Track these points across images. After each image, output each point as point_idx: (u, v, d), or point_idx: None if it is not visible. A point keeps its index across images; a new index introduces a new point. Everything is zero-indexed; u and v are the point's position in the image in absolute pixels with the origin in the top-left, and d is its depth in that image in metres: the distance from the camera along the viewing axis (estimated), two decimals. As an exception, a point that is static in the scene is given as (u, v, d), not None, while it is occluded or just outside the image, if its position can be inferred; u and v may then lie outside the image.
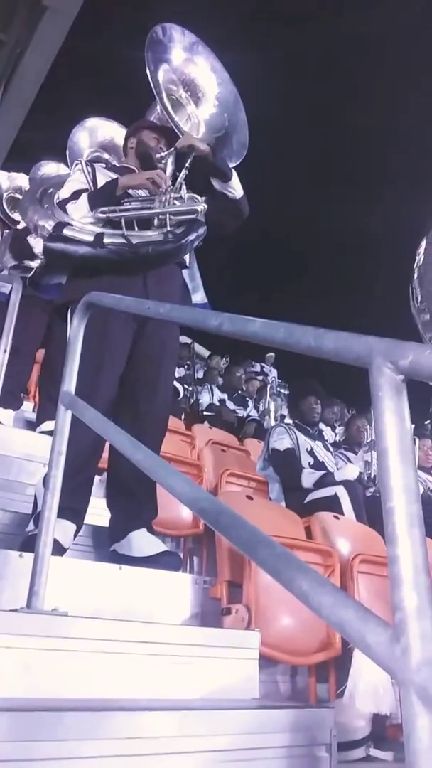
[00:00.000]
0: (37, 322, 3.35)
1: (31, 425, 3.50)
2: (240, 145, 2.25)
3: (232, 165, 2.19)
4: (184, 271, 2.21)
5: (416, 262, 1.17)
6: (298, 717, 1.30)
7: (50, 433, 1.58)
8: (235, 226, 2.20)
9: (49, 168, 3.41)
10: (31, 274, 2.13)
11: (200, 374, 7.82)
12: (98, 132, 2.88)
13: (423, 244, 1.18)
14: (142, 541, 1.90)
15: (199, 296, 2.27)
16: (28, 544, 1.61)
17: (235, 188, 2.13)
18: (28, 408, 3.93)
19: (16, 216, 4.10)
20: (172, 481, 1.01)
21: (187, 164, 2.14)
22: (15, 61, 9.54)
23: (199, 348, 9.88)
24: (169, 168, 2.10)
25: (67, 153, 2.90)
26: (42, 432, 3.24)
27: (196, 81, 2.23)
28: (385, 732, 1.93)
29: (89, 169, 2.19)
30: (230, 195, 2.13)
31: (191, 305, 2.22)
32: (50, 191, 2.62)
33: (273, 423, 6.77)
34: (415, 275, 1.16)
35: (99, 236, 1.98)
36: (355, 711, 1.85)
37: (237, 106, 2.25)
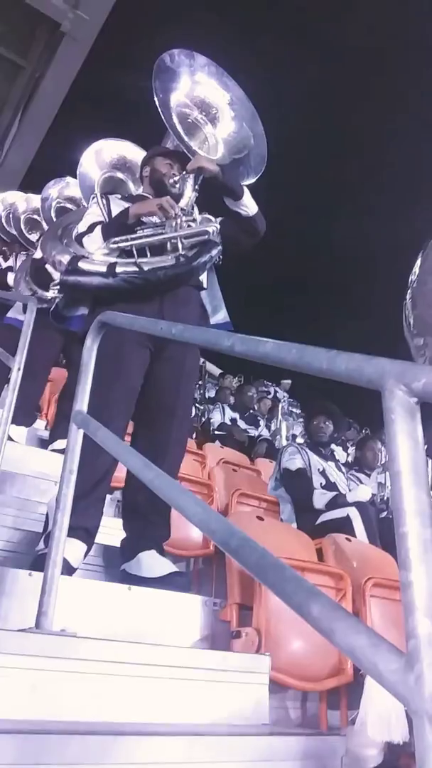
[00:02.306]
0: (50, 341, 3.38)
1: (44, 443, 3.52)
2: (259, 159, 2.27)
3: (251, 180, 2.22)
4: (202, 293, 2.22)
5: (410, 281, 1.15)
6: (308, 745, 1.28)
7: (62, 451, 1.59)
8: (252, 243, 2.22)
9: (58, 187, 3.48)
10: (53, 306, 2.16)
11: (212, 393, 7.83)
12: (105, 153, 2.92)
13: (417, 262, 1.16)
14: (152, 562, 1.89)
15: (220, 316, 2.27)
16: (38, 563, 1.61)
17: (248, 206, 2.15)
18: (40, 426, 3.96)
19: (33, 237, 4.17)
20: (182, 502, 1.01)
21: (197, 186, 2.17)
22: (33, 86, 9.78)
23: (210, 367, 9.91)
24: (185, 191, 2.13)
25: (78, 179, 2.94)
26: (54, 450, 3.25)
27: (209, 101, 2.27)
28: (398, 761, 1.88)
29: (104, 201, 2.22)
30: (243, 213, 2.15)
31: (209, 327, 2.22)
32: (70, 227, 2.66)
33: (284, 443, 6.76)
34: (408, 297, 1.13)
35: (111, 266, 2.02)
36: (367, 739, 1.80)
37: (253, 121, 2.27)
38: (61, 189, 3.67)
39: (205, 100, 2.27)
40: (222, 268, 2.30)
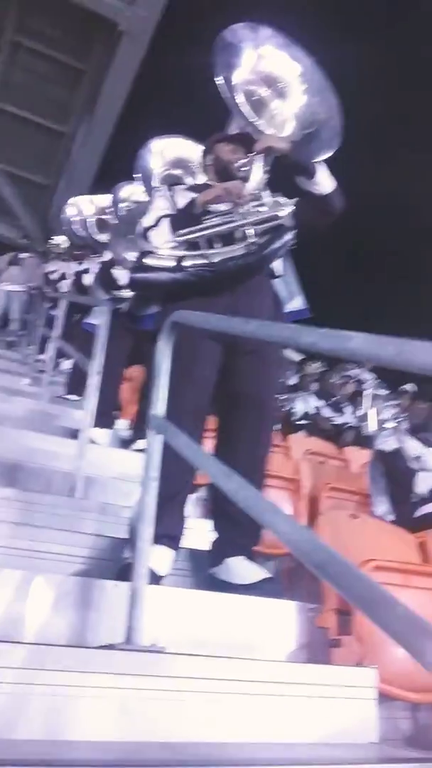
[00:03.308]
0: (121, 341, 3.38)
1: (126, 444, 3.53)
2: (333, 133, 2.09)
3: (325, 155, 2.06)
4: (276, 281, 2.10)
5: None
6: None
7: (144, 451, 1.54)
8: (328, 222, 2.06)
9: (127, 190, 3.45)
10: (126, 306, 2.13)
11: (293, 381, 7.65)
12: (167, 150, 2.86)
13: None
14: (242, 568, 1.81)
15: (296, 303, 2.14)
16: (124, 572, 1.57)
17: (323, 183, 1.99)
18: (121, 426, 3.98)
19: (103, 238, 4.20)
20: (270, 518, 0.91)
21: (266, 167, 2.03)
22: (95, 89, 9.92)
23: (290, 353, 9.68)
24: (254, 175, 2.00)
25: (137, 173, 2.90)
26: (136, 450, 3.25)
27: (276, 75, 2.11)
28: None
29: (170, 193, 2.15)
30: (316, 192, 1.99)
31: (283, 316, 2.10)
32: (136, 222, 2.62)
33: (372, 429, 6.48)
34: None
35: (179, 260, 1.94)
36: None
37: (326, 93, 2.10)
38: (130, 191, 3.65)
39: (272, 74, 2.11)
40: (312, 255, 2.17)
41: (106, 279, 3.52)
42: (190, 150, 2.92)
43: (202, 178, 2.64)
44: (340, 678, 1.43)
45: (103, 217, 4.31)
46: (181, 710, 1.16)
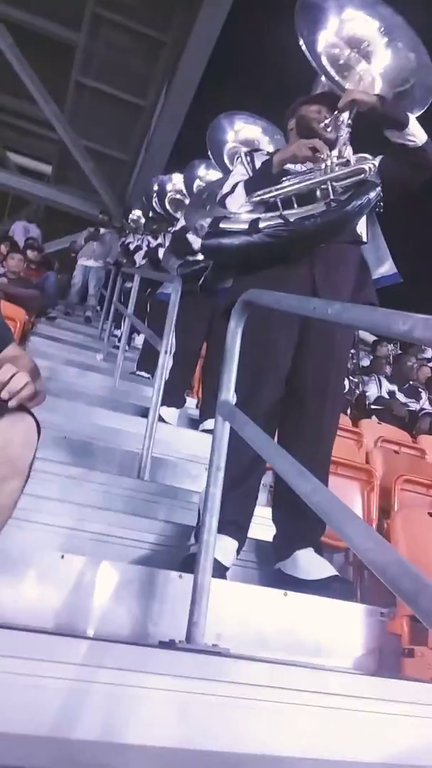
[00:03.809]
0: (199, 320, 3.32)
1: (195, 423, 3.50)
2: (425, 90, 1.92)
3: (417, 113, 1.89)
4: (364, 248, 1.95)
5: None
6: None
7: (212, 431, 1.47)
8: (424, 178, 1.89)
9: (202, 170, 3.37)
10: (201, 278, 2.05)
11: (365, 362, 7.38)
12: (236, 128, 2.76)
13: None
14: (310, 562, 1.72)
15: (384, 268, 1.99)
16: (188, 562, 1.52)
17: (416, 134, 1.82)
18: (191, 404, 3.95)
19: (179, 215, 4.14)
20: (349, 530, 0.82)
21: (348, 121, 1.88)
22: (175, 59, 9.79)
23: (363, 333, 9.31)
24: (339, 133, 1.86)
25: (209, 151, 2.81)
26: (204, 430, 3.21)
27: (362, 36, 1.95)
28: None
29: (248, 158, 2.03)
30: (410, 143, 1.82)
31: (370, 285, 1.94)
32: (215, 192, 2.54)
33: (450, 416, 6.17)
34: None
35: (254, 222, 1.82)
36: None
37: (416, 50, 1.92)
38: (205, 171, 3.56)
39: (356, 35, 1.95)
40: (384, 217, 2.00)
41: (180, 244, 3.44)
42: (256, 131, 2.83)
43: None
44: (412, 695, 1.32)
45: (178, 197, 4.26)
46: (242, 718, 1.10)
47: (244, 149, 2.32)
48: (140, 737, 0.98)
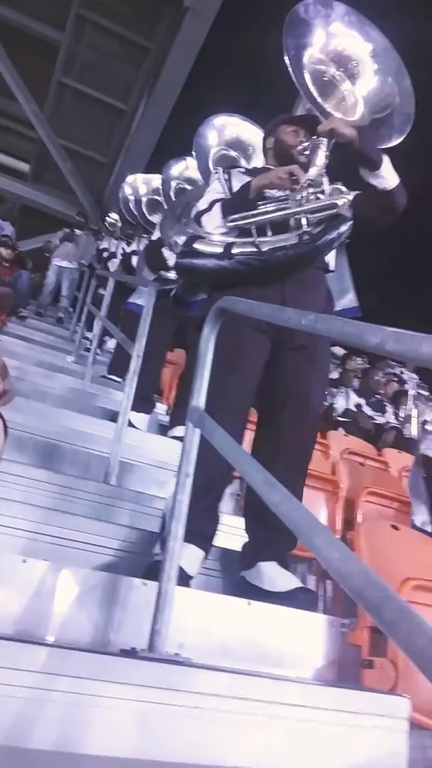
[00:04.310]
0: (166, 324, 3.32)
1: (164, 429, 3.48)
2: (404, 118, 1.93)
3: (394, 142, 1.91)
4: (330, 276, 1.98)
5: None
6: None
7: (182, 438, 1.47)
8: (389, 221, 1.90)
9: (177, 168, 3.36)
10: (173, 290, 2.05)
11: (334, 375, 7.46)
12: (226, 130, 2.75)
13: None
14: (275, 574, 1.72)
15: (346, 300, 2.02)
16: (153, 570, 1.51)
17: (387, 177, 1.83)
18: (161, 410, 3.93)
19: (154, 219, 4.13)
20: (316, 540, 0.82)
21: (328, 152, 1.90)
22: (158, 65, 9.82)
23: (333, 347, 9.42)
24: (315, 159, 1.88)
25: (194, 150, 2.80)
26: (174, 437, 3.20)
27: (349, 55, 1.98)
28: None
29: (226, 176, 2.04)
30: (379, 186, 1.83)
31: (335, 312, 1.98)
32: (190, 205, 2.53)
33: (415, 430, 6.27)
34: None
35: (228, 247, 1.83)
36: None
37: (400, 75, 1.95)
38: (182, 170, 3.56)
39: (344, 53, 1.97)
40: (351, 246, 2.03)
41: (154, 257, 3.44)
42: (250, 133, 2.81)
43: (258, 163, 2.53)
44: (370, 706, 1.33)
45: (156, 197, 4.24)
46: (203, 729, 1.09)
47: (222, 167, 2.32)
48: (98, 747, 0.96)
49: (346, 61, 1.97)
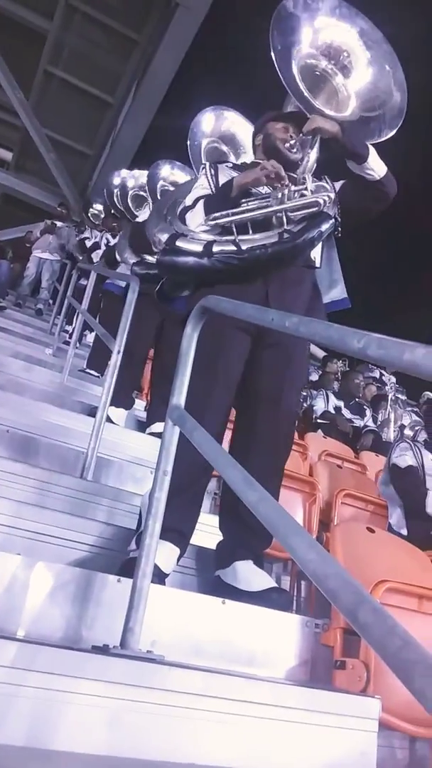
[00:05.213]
0: (148, 321, 3.29)
1: (143, 425, 3.47)
2: (396, 112, 1.94)
3: (385, 136, 1.93)
4: (317, 272, 1.98)
5: None
6: None
7: (160, 435, 1.46)
8: (380, 209, 1.93)
9: (165, 170, 3.34)
10: (158, 285, 2.03)
11: (314, 377, 7.50)
12: (223, 122, 2.72)
13: None
14: (249, 574, 1.72)
15: (335, 292, 2.02)
16: (128, 567, 1.50)
17: (374, 168, 1.86)
18: (139, 406, 3.91)
19: (139, 213, 4.10)
20: (293, 541, 0.82)
21: (312, 149, 1.91)
22: (147, 60, 9.75)
23: (314, 349, 9.46)
24: (304, 156, 1.88)
25: (189, 135, 2.77)
26: (152, 433, 3.18)
27: (340, 48, 1.96)
28: None
29: (212, 171, 2.02)
30: (368, 177, 1.86)
31: (321, 309, 1.97)
32: (177, 202, 2.51)
33: (392, 434, 6.34)
34: None
35: (208, 245, 1.82)
36: None
37: (392, 69, 1.94)
38: (169, 172, 3.53)
39: (335, 46, 1.96)
40: (341, 241, 2.04)
41: (139, 239, 3.38)
42: (246, 131, 2.80)
43: (248, 159, 2.52)
44: (341, 706, 1.35)
45: (141, 193, 4.21)
46: (175, 727, 1.09)
47: (209, 162, 2.30)
48: (69, 744, 0.95)
49: (337, 54, 1.96)
